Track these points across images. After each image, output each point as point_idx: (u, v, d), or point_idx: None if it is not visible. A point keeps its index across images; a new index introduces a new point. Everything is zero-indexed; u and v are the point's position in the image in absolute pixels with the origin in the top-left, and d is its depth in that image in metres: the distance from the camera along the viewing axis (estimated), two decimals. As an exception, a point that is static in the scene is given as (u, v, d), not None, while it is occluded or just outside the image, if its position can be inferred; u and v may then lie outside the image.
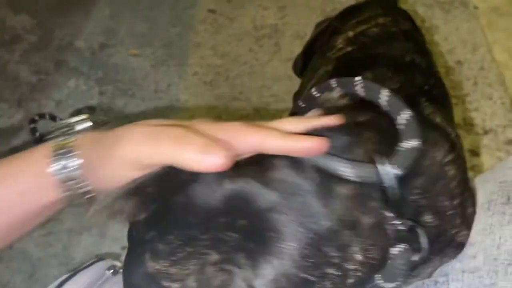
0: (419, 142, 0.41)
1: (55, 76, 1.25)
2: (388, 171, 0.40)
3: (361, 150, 0.42)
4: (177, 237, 0.36)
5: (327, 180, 0.40)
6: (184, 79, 1.25)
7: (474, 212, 0.46)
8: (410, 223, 0.39)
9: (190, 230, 0.36)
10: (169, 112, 1.18)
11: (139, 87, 1.23)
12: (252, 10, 1.38)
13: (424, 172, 0.42)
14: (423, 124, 0.44)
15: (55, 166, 0.38)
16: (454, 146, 0.48)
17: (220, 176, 0.37)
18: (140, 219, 0.39)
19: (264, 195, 0.37)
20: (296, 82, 1.19)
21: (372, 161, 0.40)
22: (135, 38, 1.33)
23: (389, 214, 0.39)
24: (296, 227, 0.36)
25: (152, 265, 0.36)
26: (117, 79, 1.24)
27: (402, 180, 0.41)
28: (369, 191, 0.40)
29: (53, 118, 1.13)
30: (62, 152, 0.38)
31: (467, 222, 0.45)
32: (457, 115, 1.14)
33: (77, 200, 0.39)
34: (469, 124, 1.11)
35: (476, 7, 1.36)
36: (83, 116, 0.43)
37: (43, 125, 1.14)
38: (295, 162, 0.40)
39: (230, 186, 0.38)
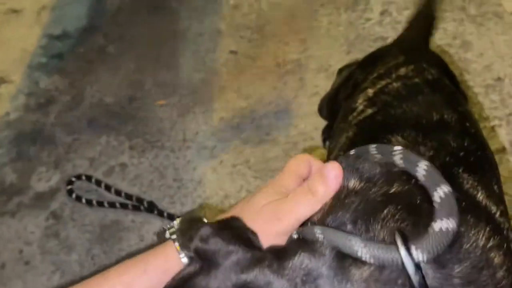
0: (455, 223, 0.37)
1: (88, 134, 1.28)
2: (412, 256, 0.36)
3: (384, 228, 0.39)
4: None
5: (343, 262, 0.38)
6: (210, 125, 1.24)
7: None
8: None
9: None
10: (197, 161, 1.17)
11: (167, 137, 1.24)
12: (273, 47, 1.36)
13: (465, 259, 0.38)
14: (462, 201, 0.40)
15: (184, 259, 0.44)
16: (499, 228, 0.43)
17: (238, 264, 0.39)
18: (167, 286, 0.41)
19: (274, 285, 0.37)
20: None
21: (394, 242, 0.37)
22: (160, 88, 1.35)
23: None
24: None
25: None
26: (146, 131, 1.26)
27: (439, 266, 0.37)
28: (391, 276, 0.36)
29: (88, 178, 1.17)
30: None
31: None
32: (503, 138, 1.05)
33: None
34: (516, 147, 1.02)
35: (512, 14, 1.27)
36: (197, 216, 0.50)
37: (79, 187, 1.17)
38: (313, 247, 0.39)
39: (244, 277, 0.38)
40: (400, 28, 1.29)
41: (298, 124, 1.20)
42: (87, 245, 1.06)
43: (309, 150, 1.15)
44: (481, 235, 0.39)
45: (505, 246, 0.41)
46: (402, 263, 0.36)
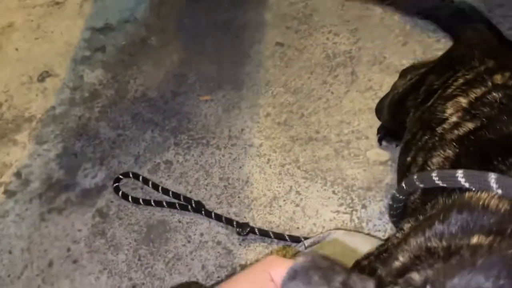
0: None
1: (132, 129, 1.26)
2: None
3: None
4: None
5: None
6: (256, 121, 1.20)
7: None
8: None
9: None
10: (243, 160, 1.13)
11: (212, 134, 1.20)
12: (322, 38, 1.29)
13: None
14: None
15: None
16: None
17: None
18: None
19: None
20: (378, 117, 1.07)
21: None
22: (204, 82, 1.31)
23: None
24: None
25: None
26: (191, 128, 1.23)
27: None
28: None
29: (136, 176, 1.15)
30: None
31: None
32: None
33: None
34: None
35: None
36: None
37: (125, 184, 1.16)
38: None
39: None
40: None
41: (350, 121, 1.13)
42: (134, 245, 1.05)
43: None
44: None
45: None
46: None
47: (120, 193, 1.12)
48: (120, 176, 1.15)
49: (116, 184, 1.14)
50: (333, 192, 1.04)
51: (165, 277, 0.99)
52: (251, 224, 1.01)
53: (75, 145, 1.26)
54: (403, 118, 0.74)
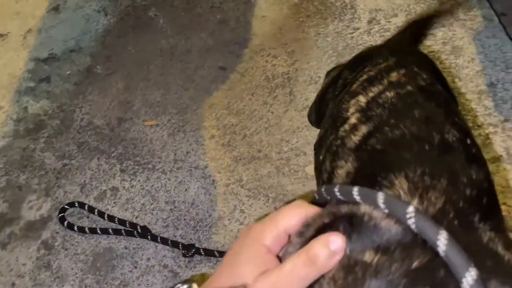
0: None
1: (78, 158, 1.27)
2: None
3: None
4: None
5: None
6: (201, 144, 1.23)
7: None
8: None
9: None
10: (189, 182, 1.15)
11: (158, 158, 1.22)
12: (261, 61, 1.34)
13: None
14: (485, 263, 0.37)
15: None
16: None
17: None
18: None
19: None
20: (314, 130, 1.13)
21: None
22: (150, 108, 1.33)
23: None
24: None
25: None
26: (136, 153, 1.24)
27: None
28: None
29: (82, 205, 1.15)
30: None
31: None
32: (498, 146, 1.03)
33: None
34: (507, 154, 1.00)
35: (503, 14, 1.24)
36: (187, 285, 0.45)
37: (71, 213, 1.15)
38: None
39: None
40: (388, 36, 1.27)
41: (290, 139, 1.18)
42: (80, 275, 1.04)
43: (305, 197, 1.13)
44: None
45: None
46: None
47: (66, 223, 1.11)
48: (66, 206, 1.14)
49: (62, 214, 1.13)
50: (275, 208, 1.07)
51: (112, 305, 0.99)
52: (197, 245, 1.03)
53: (19, 177, 1.25)
54: (325, 112, 0.79)
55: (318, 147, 0.75)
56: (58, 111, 1.38)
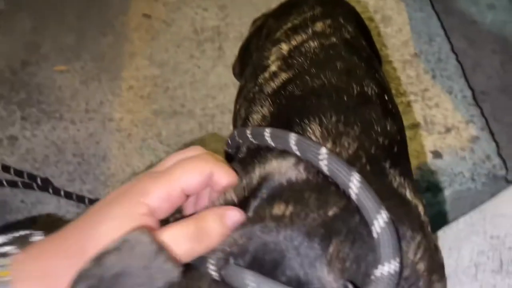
0: (398, 261, 0.33)
1: (-30, 102, 1.10)
2: None
3: (331, 273, 0.33)
4: None
5: None
6: (117, 94, 1.12)
7: (441, 283, 0.37)
8: None
9: None
10: (101, 135, 1.05)
11: (67, 107, 1.10)
12: (190, 12, 1.26)
13: (400, 285, 0.34)
14: (396, 208, 0.36)
15: None
16: (424, 230, 0.39)
17: None
18: None
19: None
20: (241, 90, 1.08)
21: None
22: (61, 52, 1.19)
23: None
24: None
25: None
26: (42, 100, 1.10)
27: None
28: None
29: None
30: None
31: None
32: (418, 114, 1.06)
33: None
34: (430, 122, 1.03)
35: (430, -7, 1.28)
36: (7, 238, 0.35)
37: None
38: None
39: None
40: None
41: (216, 95, 1.12)
42: (-37, 231, 0.90)
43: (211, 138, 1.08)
44: (413, 250, 0.36)
45: (428, 248, 0.38)
46: None
47: (-51, 172, 0.96)
48: (-51, 153, 0.98)
49: None
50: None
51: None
52: (106, 201, 0.94)
53: None
54: (248, 62, 0.75)
55: (237, 94, 0.71)
56: None
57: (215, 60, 1.17)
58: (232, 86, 1.13)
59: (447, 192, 0.92)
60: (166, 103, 1.11)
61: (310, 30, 0.60)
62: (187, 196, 0.36)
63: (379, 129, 0.47)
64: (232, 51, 1.18)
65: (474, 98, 1.06)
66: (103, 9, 1.28)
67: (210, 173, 0.36)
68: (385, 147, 0.46)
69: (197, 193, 0.38)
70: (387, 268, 0.32)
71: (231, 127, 1.08)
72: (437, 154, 0.98)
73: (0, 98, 1.11)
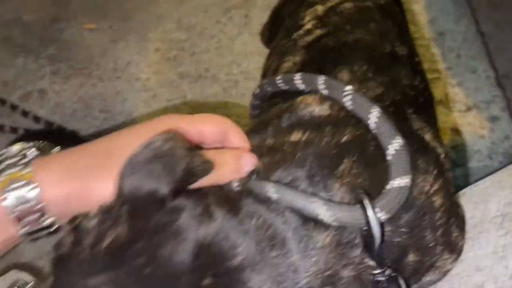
0: (409, 180, 0.36)
1: (1, 54, 1.12)
2: (377, 220, 0.34)
3: (343, 186, 0.36)
4: None
5: (306, 227, 0.34)
6: (145, 55, 1.14)
7: (461, 232, 0.40)
8: (391, 272, 0.35)
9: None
10: (128, 93, 1.08)
11: (95, 65, 1.12)
12: (219, -22, 1.26)
13: (412, 206, 0.37)
14: (413, 144, 0.39)
15: (10, 201, 0.33)
16: (443, 168, 0.42)
17: (195, 220, 0.31)
18: (101, 248, 0.31)
19: (237, 249, 0.31)
20: (266, 57, 1.09)
21: (356, 202, 0.35)
22: (90, 10, 1.20)
23: (370, 262, 0.34)
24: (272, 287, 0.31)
25: None
26: (71, 57, 1.13)
27: (388, 219, 0.35)
28: (350, 237, 0.34)
29: (2, 102, 1.03)
30: (19, 186, 0.33)
31: (452, 247, 0.40)
32: (439, 91, 1.07)
33: (37, 234, 0.35)
34: (451, 100, 1.04)
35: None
36: (27, 144, 0.37)
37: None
38: (270, 206, 0.34)
39: (203, 232, 0.31)
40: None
41: (240, 62, 1.13)
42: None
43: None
44: (428, 181, 0.39)
45: (446, 187, 0.40)
46: (367, 224, 0.34)
47: (-19, 119, 0.99)
48: (-18, 102, 1.02)
49: (-23, 110, 1.01)
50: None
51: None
52: (131, 156, 0.97)
53: None
54: (279, 28, 0.76)
55: (268, 55, 0.72)
56: (-21, 0, 1.21)
57: (241, 28, 1.19)
58: (256, 54, 1.14)
59: (464, 169, 0.94)
60: (191, 67, 1.12)
61: None
62: (201, 144, 0.38)
63: (406, 82, 0.49)
64: (258, 20, 1.19)
65: (497, 79, 1.07)
66: (132, -30, 1.28)
67: (226, 130, 0.38)
68: (410, 97, 0.48)
69: (210, 143, 0.39)
70: (398, 182, 0.35)
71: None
72: (456, 132, 0.99)
73: (29, 52, 1.13)
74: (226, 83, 1.11)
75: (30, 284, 0.43)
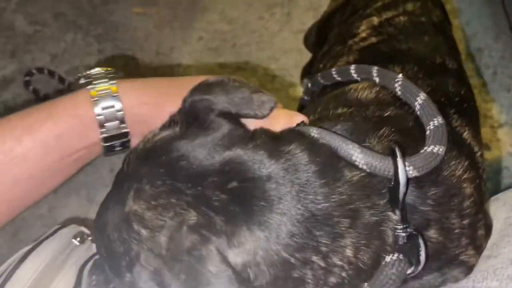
0: (443, 149, 0.38)
1: (52, 28, 1.18)
2: (405, 170, 0.36)
3: (380, 144, 0.39)
4: (165, 184, 0.34)
5: (337, 162, 0.37)
6: (188, 43, 1.18)
7: (486, 235, 0.43)
8: (412, 230, 0.36)
9: (178, 181, 0.34)
10: (169, 75, 1.12)
11: (140, 47, 1.17)
12: (265, -25, 1.29)
13: (442, 183, 0.39)
14: (449, 135, 0.41)
15: (101, 105, 0.40)
16: (477, 165, 0.44)
17: (230, 138, 0.36)
18: (139, 148, 0.37)
19: (267, 164, 0.35)
20: (305, 56, 1.12)
21: (390, 154, 0.37)
22: (139, -5, 1.25)
23: (393, 216, 0.36)
24: (291, 201, 0.34)
25: (131, 204, 0.34)
26: (117, 38, 1.18)
27: (417, 185, 0.38)
28: (379, 186, 0.37)
29: (51, 74, 1.08)
30: (106, 93, 0.40)
31: (476, 244, 0.42)
32: (472, 105, 1.09)
33: (114, 141, 0.42)
34: (484, 116, 1.06)
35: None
36: (110, 69, 0.45)
37: (38, 80, 1.08)
38: (309, 141, 0.38)
39: (235, 152, 0.36)
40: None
41: (279, 58, 1.17)
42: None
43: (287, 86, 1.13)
44: (460, 166, 0.41)
45: (477, 181, 0.43)
46: (395, 174, 0.36)
47: (31, 88, 1.05)
48: (33, 71, 1.07)
49: (28, 78, 1.06)
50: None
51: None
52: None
53: (-17, 33, 1.14)
54: (328, 35, 0.79)
55: (320, 59, 0.75)
56: (36, -25, 1.26)
57: (283, 25, 1.22)
58: (295, 51, 1.17)
59: (491, 184, 0.95)
60: (231, 58, 1.16)
61: (401, 8, 0.64)
62: None
63: (452, 90, 0.52)
64: (299, 19, 1.22)
65: (532, 99, 1.08)
66: (182, -40, 1.33)
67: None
68: (454, 101, 0.50)
69: None
70: (431, 148, 0.37)
71: (289, 90, 1.13)
72: (485, 147, 1.01)
73: (79, 29, 1.19)
74: (263, 77, 1.14)
75: (91, 237, 0.47)
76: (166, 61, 1.15)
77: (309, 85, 0.58)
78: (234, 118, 0.39)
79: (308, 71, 1.11)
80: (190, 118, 0.38)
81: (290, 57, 1.17)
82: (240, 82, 0.39)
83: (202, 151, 0.35)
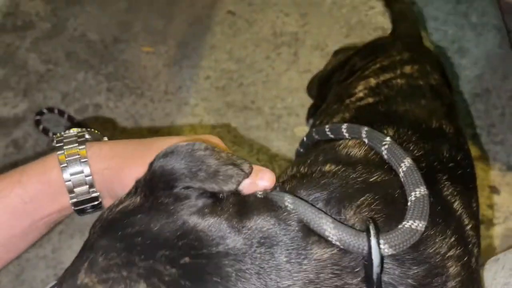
0: (423, 226, 0.37)
1: (64, 67, 1.21)
2: (378, 248, 0.35)
3: (357, 215, 0.38)
4: (119, 256, 0.33)
5: (307, 237, 0.36)
6: (195, 82, 1.20)
7: None
8: None
9: (132, 254, 0.33)
10: (176, 116, 1.13)
11: (148, 86, 1.19)
12: (272, 15, 1.32)
13: (424, 262, 0.38)
14: (437, 205, 0.40)
15: (69, 170, 0.40)
16: (466, 240, 0.43)
17: (194, 207, 0.36)
18: (103, 217, 0.37)
19: (227, 239, 0.34)
20: (311, 97, 1.13)
21: (365, 231, 0.36)
22: (149, 34, 1.28)
23: None
24: (250, 279, 0.33)
25: (83, 277, 0.33)
26: (127, 76, 1.20)
27: (398, 263, 0.37)
28: (352, 264, 0.35)
29: (61, 113, 1.10)
30: (74, 159, 0.41)
31: None
32: (480, 147, 1.07)
33: (85, 205, 0.42)
34: (492, 158, 1.04)
35: (510, 32, 1.28)
36: (82, 130, 0.45)
37: (48, 119, 1.11)
38: (280, 213, 0.37)
39: (197, 222, 0.35)
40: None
41: (285, 97, 1.17)
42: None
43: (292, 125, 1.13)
44: (445, 243, 0.40)
45: (466, 258, 0.41)
46: (368, 253, 0.35)
47: (41, 127, 1.07)
48: (44, 110, 1.10)
49: (38, 117, 1.08)
50: (257, 159, 1.07)
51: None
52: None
53: (-2, 72, 1.18)
54: (327, 93, 0.80)
55: (317, 117, 0.76)
56: (51, 15, 1.31)
57: (289, 64, 1.23)
58: (302, 90, 1.18)
59: (499, 228, 0.93)
60: (238, 97, 1.17)
61: (398, 71, 0.64)
62: None
63: (447, 155, 0.50)
64: (306, 58, 1.24)
65: (541, 142, 1.06)
66: (192, 0, 1.36)
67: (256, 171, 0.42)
68: (448, 167, 0.49)
69: None
70: (410, 223, 0.36)
71: (295, 129, 1.13)
72: (494, 190, 0.99)
73: (90, 68, 1.22)
74: (269, 116, 1.15)
75: None
76: (174, 100, 1.16)
77: (305, 139, 0.59)
78: (198, 189, 0.38)
79: (313, 111, 1.12)
80: (153, 187, 0.37)
81: (296, 97, 1.17)
82: (211, 150, 0.38)
83: (160, 223, 0.34)
